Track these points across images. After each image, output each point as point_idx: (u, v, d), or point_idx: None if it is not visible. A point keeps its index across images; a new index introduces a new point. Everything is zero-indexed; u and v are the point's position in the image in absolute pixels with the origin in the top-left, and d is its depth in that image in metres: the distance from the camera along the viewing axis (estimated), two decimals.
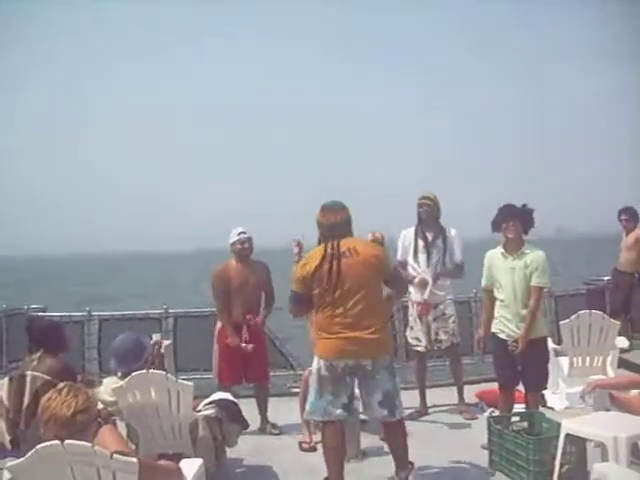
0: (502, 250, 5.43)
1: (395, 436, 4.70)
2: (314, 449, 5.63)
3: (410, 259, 6.34)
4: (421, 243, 6.35)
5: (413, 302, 6.39)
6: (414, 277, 6.24)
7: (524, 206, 5.39)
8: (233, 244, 6.22)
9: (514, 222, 5.32)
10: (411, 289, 6.18)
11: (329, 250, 4.45)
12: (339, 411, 4.50)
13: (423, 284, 6.25)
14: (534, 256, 5.31)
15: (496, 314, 5.47)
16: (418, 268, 6.31)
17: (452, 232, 6.37)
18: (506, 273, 5.33)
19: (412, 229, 6.45)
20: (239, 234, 6.20)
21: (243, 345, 6.03)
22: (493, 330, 5.50)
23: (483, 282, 5.59)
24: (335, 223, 4.56)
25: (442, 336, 6.37)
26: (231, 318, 6.14)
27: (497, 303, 5.45)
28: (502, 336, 5.39)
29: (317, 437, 5.82)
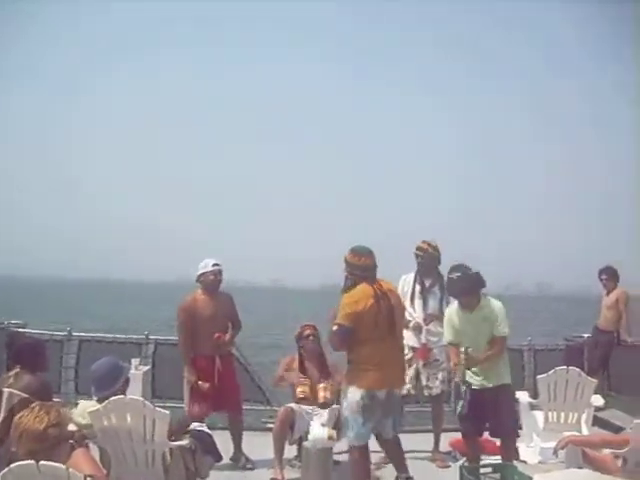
0: (459, 306, 5.53)
1: (396, 448, 5.32)
2: None
3: (407, 304, 6.36)
4: (418, 288, 6.46)
5: (408, 347, 6.39)
6: (409, 321, 6.30)
7: (466, 273, 5.41)
8: (205, 275, 6.23)
9: (466, 296, 5.42)
10: (405, 334, 6.22)
11: (377, 290, 5.01)
12: (368, 435, 5.12)
13: (417, 328, 6.34)
14: (491, 308, 5.41)
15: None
16: (414, 313, 6.39)
17: None
18: (467, 327, 5.41)
19: (412, 274, 6.55)
20: (213, 265, 6.24)
21: (200, 383, 6.08)
22: (457, 381, 5.58)
23: (448, 338, 5.61)
24: (369, 265, 5.13)
25: (433, 382, 6.41)
26: (201, 350, 6.15)
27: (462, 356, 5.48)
28: (473, 384, 5.43)
29: (287, 474, 5.87)
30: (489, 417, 5.42)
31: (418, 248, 6.44)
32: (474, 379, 5.39)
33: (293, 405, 6.00)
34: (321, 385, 6.06)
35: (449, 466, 6.34)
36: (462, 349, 5.30)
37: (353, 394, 5.00)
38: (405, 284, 6.53)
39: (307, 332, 6.31)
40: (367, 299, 4.95)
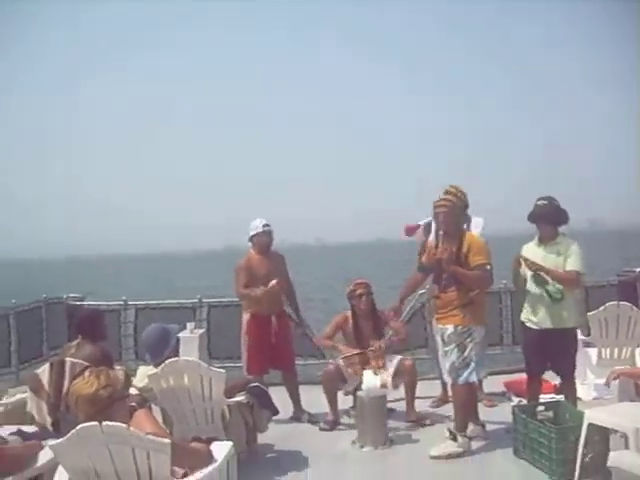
0: (536, 241, 5.49)
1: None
2: (331, 428, 6.00)
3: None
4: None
5: None
6: None
7: (550, 203, 5.41)
8: (257, 235, 6.33)
9: (544, 224, 5.40)
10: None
11: None
12: None
13: None
14: (567, 245, 5.36)
15: (525, 304, 5.52)
16: None
17: (477, 219, 6.32)
18: (538, 260, 5.34)
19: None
20: (264, 226, 6.33)
21: (271, 284, 6.13)
22: (522, 319, 5.57)
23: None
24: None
25: None
26: (255, 310, 6.29)
27: (527, 294, 5.48)
28: (530, 325, 5.43)
29: (344, 424, 6.04)
30: (552, 357, 5.41)
31: (448, 192, 6.36)
32: (536, 319, 5.37)
33: (340, 362, 6.11)
34: (377, 371, 5.91)
35: (496, 405, 6.45)
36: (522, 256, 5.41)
37: (479, 332, 5.31)
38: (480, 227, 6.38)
39: (359, 291, 6.26)
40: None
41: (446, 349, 5.32)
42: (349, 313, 6.36)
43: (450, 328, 5.28)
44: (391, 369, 5.97)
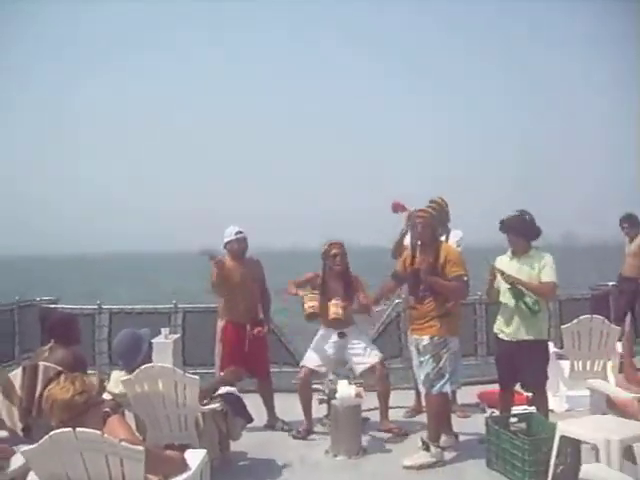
0: (509, 254, 5.53)
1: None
2: (304, 437, 6.02)
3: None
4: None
5: None
6: None
7: (522, 215, 5.45)
8: (230, 243, 6.31)
9: (514, 236, 5.44)
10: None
11: None
12: None
13: None
14: (540, 258, 5.40)
15: (499, 315, 5.57)
16: None
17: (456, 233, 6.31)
18: (512, 273, 5.37)
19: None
20: (237, 233, 6.32)
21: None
22: (495, 331, 5.62)
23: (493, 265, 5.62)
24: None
25: None
26: (230, 318, 6.27)
27: (501, 306, 5.53)
28: (502, 336, 5.48)
29: (318, 432, 6.05)
30: (522, 369, 5.42)
31: (432, 202, 6.38)
32: (509, 330, 5.41)
33: (311, 366, 6.10)
34: (332, 302, 5.99)
35: (469, 416, 6.49)
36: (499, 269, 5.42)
37: (454, 343, 5.38)
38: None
39: (334, 251, 6.17)
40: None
41: (421, 359, 5.35)
42: (320, 272, 6.28)
43: (426, 339, 5.30)
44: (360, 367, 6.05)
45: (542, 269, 5.36)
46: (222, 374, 5.81)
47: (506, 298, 5.42)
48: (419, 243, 5.50)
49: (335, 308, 5.96)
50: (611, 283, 9.21)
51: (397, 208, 6.22)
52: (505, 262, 5.52)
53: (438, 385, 5.26)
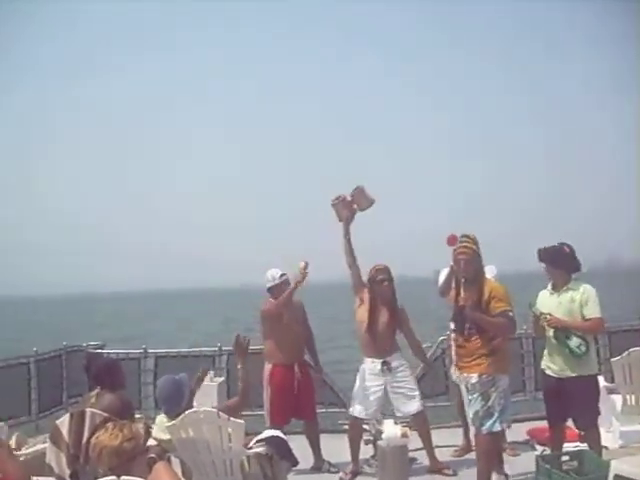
0: (550, 288, 5.46)
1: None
2: (352, 479, 5.99)
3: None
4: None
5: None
6: None
7: (561, 247, 5.38)
8: (277, 286, 6.32)
9: (553, 268, 5.38)
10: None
11: None
12: None
13: None
14: (581, 290, 5.30)
15: (545, 351, 5.47)
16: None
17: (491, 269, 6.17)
18: (552, 309, 5.30)
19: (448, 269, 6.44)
20: (281, 276, 6.36)
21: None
22: (542, 367, 5.51)
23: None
24: None
25: None
26: (278, 360, 6.28)
27: (547, 340, 5.43)
28: (549, 372, 5.38)
29: (365, 474, 5.98)
30: (571, 406, 5.31)
31: (465, 236, 6.34)
32: (556, 367, 5.31)
33: (360, 416, 6.05)
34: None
35: (519, 454, 6.35)
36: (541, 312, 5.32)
37: (504, 381, 5.25)
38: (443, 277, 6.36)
39: (380, 277, 6.08)
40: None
41: (470, 398, 5.26)
42: (367, 297, 6.12)
43: (474, 377, 5.22)
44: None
45: (585, 304, 5.25)
46: (271, 421, 5.77)
47: (551, 336, 5.34)
48: (463, 280, 5.44)
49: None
50: None
51: (453, 242, 6.10)
52: (546, 298, 5.44)
53: (487, 424, 5.16)
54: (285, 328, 6.24)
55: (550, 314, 5.27)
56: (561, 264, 5.35)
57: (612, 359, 6.55)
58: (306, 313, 6.55)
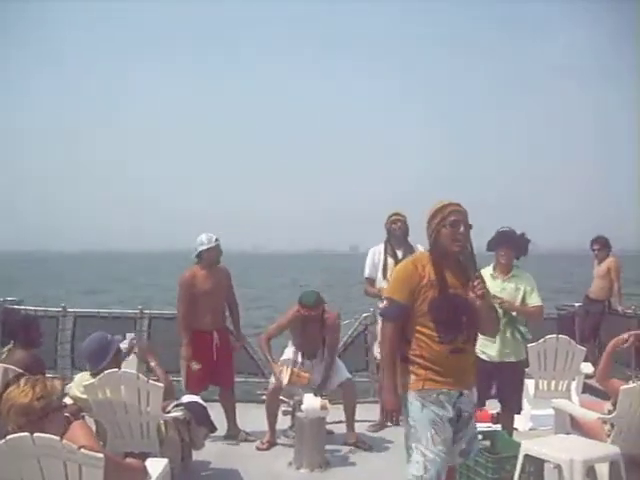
0: (492, 271, 5.48)
1: None
2: (268, 448, 5.96)
3: (379, 275, 6.39)
4: (391, 261, 6.34)
5: None
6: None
7: (522, 235, 5.45)
8: (209, 251, 6.18)
9: (509, 249, 5.40)
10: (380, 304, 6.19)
11: None
12: None
13: None
14: (526, 279, 5.41)
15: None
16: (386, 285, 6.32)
17: (420, 248, 6.13)
18: (500, 294, 5.30)
19: (381, 246, 6.48)
20: (215, 240, 6.21)
21: (193, 364, 6.07)
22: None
23: None
24: None
25: None
26: (199, 324, 6.16)
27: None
28: (482, 357, 5.32)
29: (282, 444, 6.00)
30: (504, 391, 5.44)
31: (396, 214, 6.33)
32: (493, 352, 5.34)
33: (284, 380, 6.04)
34: (283, 373, 5.98)
35: None
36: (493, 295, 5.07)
37: None
38: (375, 256, 6.48)
39: (310, 313, 6.00)
40: None
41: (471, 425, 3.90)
42: (302, 311, 6.04)
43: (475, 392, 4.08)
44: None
45: (530, 293, 5.37)
46: (186, 387, 5.67)
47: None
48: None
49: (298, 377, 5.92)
50: (577, 304, 9.32)
51: None
52: (488, 280, 5.30)
53: None
54: (205, 296, 6.13)
55: (502, 299, 5.24)
56: (517, 248, 5.42)
57: (528, 345, 6.73)
58: (231, 281, 6.46)
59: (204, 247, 6.19)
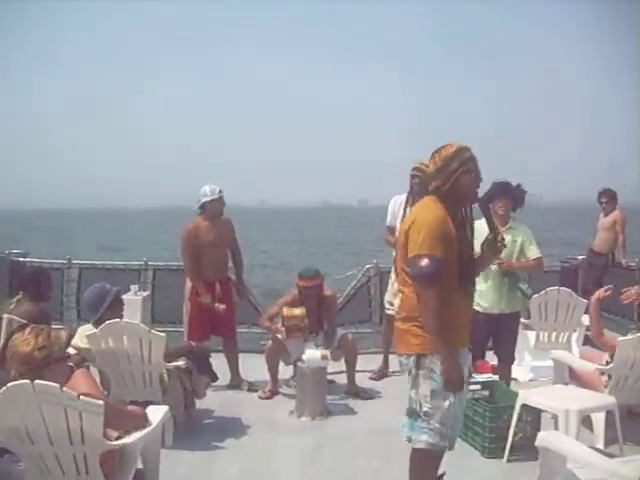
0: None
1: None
2: (269, 397, 6.08)
3: (398, 225, 6.36)
4: (409, 210, 6.32)
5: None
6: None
7: (518, 186, 5.44)
8: (212, 202, 6.17)
9: (507, 200, 5.39)
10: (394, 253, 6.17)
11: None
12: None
13: None
14: (523, 231, 5.43)
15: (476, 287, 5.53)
16: None
17: None
18: None
19: (404, 196, 6.37)
20: (219, 192, 6.20)
21: (216, 305, 6.11)
22: None
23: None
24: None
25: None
26: (202, 275, 6.19)
27: (482, 279, 5.32)
28: (478, 309, 5.34)
29: (284, 394, 6.11)
30: (498, 342, 5.51)
31: (415, 168, 6.29)
32: (487, 304, 5.37)
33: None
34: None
35: None
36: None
37: None
38: (395, 205, 6.43)
39: (308, 292, 6.11)
40: None
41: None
42: (297, 296, 6.21)
43: None
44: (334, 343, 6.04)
45: (529, 244, 5.39)
46: (194, 344, 5.72)
47: (491, 275, 5.35)
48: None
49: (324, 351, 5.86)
50: (580, 257, 9.31)
51: None
52: (484, 233, 5.31)
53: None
54: (209, 247, 6.14)
55: (501, 259, 5.15)
56: (514, 199, 5.41)
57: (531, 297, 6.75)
58: (234, 233, 6.47)
59: (207, 199, 6.18)
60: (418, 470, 3.48)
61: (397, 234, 6.19)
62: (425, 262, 3.22)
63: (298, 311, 6.00)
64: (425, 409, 3.32)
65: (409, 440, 3.42)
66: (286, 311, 6.02)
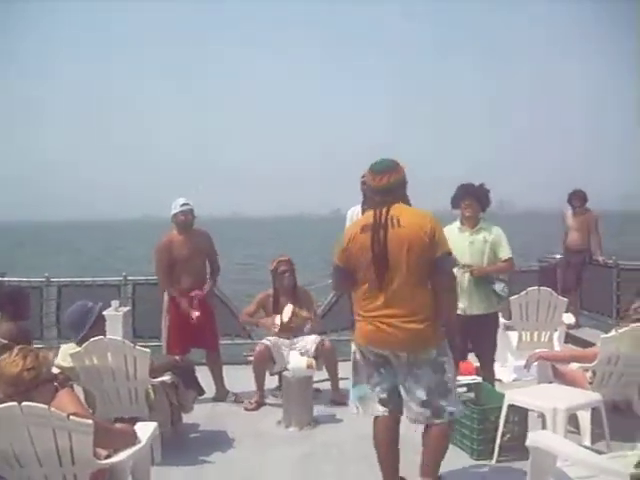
0: (459, 225, 5.53)
1: (434, 440, 3.84)
2: (256, 408, 6.06)
3: None
4: None
5: None
6: None
7: (481, 185, 5.50)
8: (176, 215, 6.18)
9: (471, 201, 5.45)
10: None
11: (377, 218, 3.71)
12: (377, 405, 3.98)
13: None
14: (491, 230, 5.46)
15: None
16: None
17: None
18: (463, 247, 5.36)
19: (359, 207, 6.47)
20: (182, 205, 6.19)
21: (191, 311, 6.08)
22: None
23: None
24: (384, 186, 3.76)
25: None
26: (179, 288, 6.16)
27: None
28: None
29: (270, 404, 6.08)
30: (475, 341, 5.51)
31: (363, 177, 6.28)
32: (463, 305, 5.34)
33: (271, 339, 6.12)
34: (285, 309, 6.21)
35: None
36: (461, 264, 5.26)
37: (352, 346, 4.26)
38: (354, 215, 6.43)
39: (282, 268, 6.32)
40: (354, 229, 3.87)
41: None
42: (271, 290, 6.40)
43: None
44: (312, 348, 6.05)
45: (499, 245, 5.41)
46: (177, 358, 5.68)
47: (464, 278, 5.38)
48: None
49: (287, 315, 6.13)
50: (558, 256, 9.40)
51: None
52: (455, 235, 5.35)
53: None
54: (183, 260, 6.12)
55: (472, 266, 5.33)
56: (483, 201, 5.48)
57: (511, 297, 6.80)
58: (212, 244, 6.43)
59: (172, 212, 6.20)
60: (447, 441, 3.96)
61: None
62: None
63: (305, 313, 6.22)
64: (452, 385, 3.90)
65: (451, 414, 3.82)
66: (264, 322, 6.27)
